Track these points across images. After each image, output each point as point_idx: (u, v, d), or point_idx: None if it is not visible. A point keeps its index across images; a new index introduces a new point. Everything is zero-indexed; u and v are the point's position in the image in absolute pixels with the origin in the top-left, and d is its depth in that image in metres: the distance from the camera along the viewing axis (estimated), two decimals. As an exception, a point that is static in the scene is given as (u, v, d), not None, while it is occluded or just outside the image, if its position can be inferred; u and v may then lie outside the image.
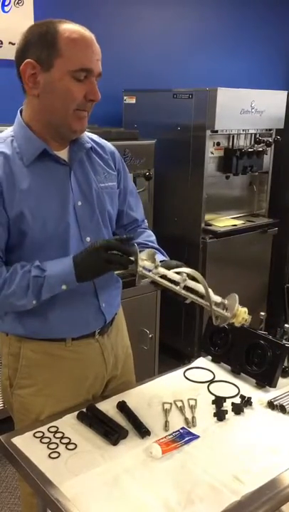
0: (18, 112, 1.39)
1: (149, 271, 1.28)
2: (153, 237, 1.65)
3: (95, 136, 1.52)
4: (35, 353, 1.42)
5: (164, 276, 1.29)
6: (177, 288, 1.28)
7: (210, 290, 1.28)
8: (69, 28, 1.25)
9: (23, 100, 1.39)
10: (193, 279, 1.30)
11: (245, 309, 1.31)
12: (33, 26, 1.29)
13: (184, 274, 1.28)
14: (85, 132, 1.44)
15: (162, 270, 1.29)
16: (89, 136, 1.48)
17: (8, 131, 1.38)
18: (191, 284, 1.29)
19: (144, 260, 1.28)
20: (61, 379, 1.45)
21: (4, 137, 1.35)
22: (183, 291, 1.28)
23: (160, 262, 1.31)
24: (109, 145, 1.55)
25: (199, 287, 1.28)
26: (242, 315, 1.30)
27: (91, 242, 1.35)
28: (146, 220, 1.70)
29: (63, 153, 1.38)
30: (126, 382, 1.62)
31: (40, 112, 1.32)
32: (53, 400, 1.44)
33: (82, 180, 1.41)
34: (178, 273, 1.29)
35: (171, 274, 1.29)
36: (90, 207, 1.41)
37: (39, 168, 1.33)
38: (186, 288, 1.28)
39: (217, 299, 1.31)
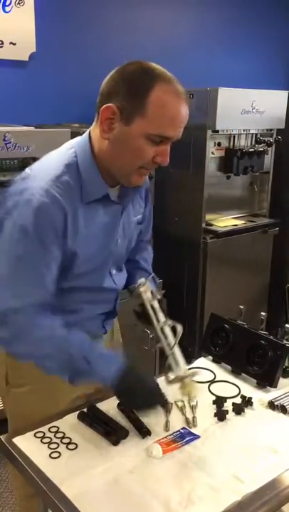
0: (87, 136, 1.30)
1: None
2: (150, 255, 1.69)
3: None
4: None
5: (153, 310, 1.42)
6: (156, 324, 1.39)
7: (179, 352, 1.35)
8: (164, 88, 1.16)
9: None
10: (173, 330, 1.38)
11: (196, 386, 1.35)
12: (129, 69, 1.20)
13: (169, 321, 1.39)
14: None
15: (155, 304, 1.42)
16: None
17: (73, 151, 1.28)
18: (167, 330, 1.38)
19: (148, 290, 1.42)
20: (59, 380, 1.43)
21: (70, 162, 1.26)
22: (158, 330, 1.38)
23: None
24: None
25: (171, 339, 1.37)
26: (189, 388, 1.33)
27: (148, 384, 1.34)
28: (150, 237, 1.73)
29: (116, 190, 1.35)
30: None
31: (105, 155, 1.26)
32: (49, 399, 1.44)
33: (127, 218, 1.42)
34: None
35: (159, 312, 1.41)
36: (125, 243, 1.45)
37: (97, 207, 1.30)
38: (162, 331, 1.38)
39: (181, 362, 1.35)
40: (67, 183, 1.22)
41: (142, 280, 1.45)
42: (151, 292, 1.43)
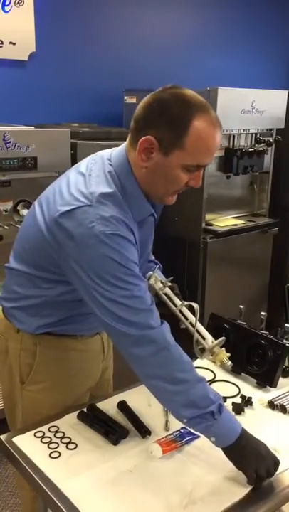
0: (126, 157, 1.29)
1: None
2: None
3: None
4: (50, 349, 1.44)
5: (167, 296, 1.49)
6: (174, 308, 1.46)
7: (202, 327, 1.43)
8: (202, 120, 1.17)
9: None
10: (190, 309, 1.46)
11: (227, 354, 1.41)
12: (166, 99, 1.20)
13: (185, 302, 1.46)
14: None
15: (168, 291, 1.48)
16: None
17: (112, 173, 1.27)
18: (186, 311, 1.46)
19: (157, 281, 1.47)
20: (71, 371, 1.48)
21: (116, 182, 1.26)
22: (178, 313, 1.45)
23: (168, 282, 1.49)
24: None
25: (192, 317, 1.45)
26: (221, 355, 1.40)
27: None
28: None
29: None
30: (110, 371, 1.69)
31: (142, 180, 1.28)
32: (63, 394, 1.47)
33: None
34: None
35: (173, 297, 1.48)
36: (148, 251, 1.51)
37: (142, 224, 1.34)
38: (180, 313, 1.46)
39: (207, 335, 1.42)
40: (122, 206, 1.23)
41: (149, 273, 1.49)
42: (161, 282, 1.49)
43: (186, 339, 1.41)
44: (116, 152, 1.32)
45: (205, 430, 1.21)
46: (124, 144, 1.31)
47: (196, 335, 1.41)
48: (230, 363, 1.44)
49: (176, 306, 1.46)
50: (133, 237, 1.24)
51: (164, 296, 1.48)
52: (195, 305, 1.45)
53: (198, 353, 1.41)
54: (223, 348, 1.41)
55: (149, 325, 1.20)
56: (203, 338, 1.41)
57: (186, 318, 1.44)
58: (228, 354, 1.42)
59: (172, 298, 1.48)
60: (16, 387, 1.48)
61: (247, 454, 1.20)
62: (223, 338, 1.43)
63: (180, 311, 1.45)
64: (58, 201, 1.25)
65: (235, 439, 1.20)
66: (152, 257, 1.68)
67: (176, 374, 1.21)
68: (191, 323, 1.43)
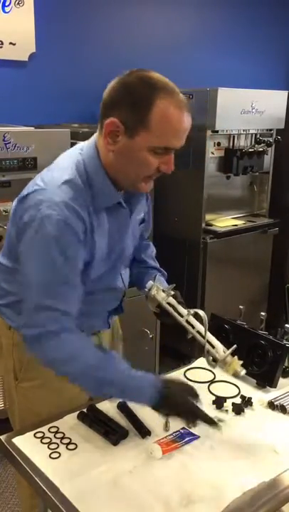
0: (94, 143, 1.30)
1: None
2: (154, 251, 1.70)
3: None
4: None
5: (171, 306, 1.44)
6: (180, 319, 1.40)
7: (212, 336, 1.37)
8: (166, 101, 1.16)
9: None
10: (197, 317, 1.40)
11: (240, 362, 1.34)
12: (130, 81, 1.19)
13: (190, 311, 1.40)
14: None
15: (171, 300, 1.44)
16: None
17: (79, 156, 1.29)
18: (193, 320, 1.39)
19: (159, 290, 1.44)
20: None
21: (80, 170, 1.27)
22: (184, 323, 1.39)
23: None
24: None
25: (200, 326, 1.39)
26: (234, 365, 1.33)
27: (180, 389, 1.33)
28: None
29: (122, 194, 1.36)
30: None
31: (111, 166, 1.27)
32: (56, 393, 1.46)
33: (135, 221, 1.45)
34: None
35: (178, 306, 1.43)
36: (134, 243, 1.48)
37: (109, 213, 1.32)
38: (188, 323, 1.40)
39: (218, 344, 1.37)
40: (81, 193, 1.24)
41: (149, 283, 1.49)
42: (163, 291, 1.45)
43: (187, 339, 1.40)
44: (88, 141, 1.32)
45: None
46: (96, 133, 1.31)
47: (207, 345, 1.35)
48: (244, 371, 1.36)
49: (182, 316, 1.41)
50: (83, 226, 1.22)
51: (168, 307, 1.43)
52: (202, 313, 1.38)
53: (210, 363, 1.36)
54: (236, 357, 1.34)
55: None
56: (213, 347, 1.36)
57: (194, 327, 1.39)
58: (241, 362, 1.35)
59: (177, 308, 1.42)
60: (11, 383, 1.49)
61: (169, 409, 1.28)
62: (235, 346, 1.35)
63: (186, 321, 1.39)
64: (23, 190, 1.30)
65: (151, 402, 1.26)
66: (155, 264, 1.66)
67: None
68: (199, 333, 1.37)
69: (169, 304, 1.44)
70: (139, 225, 1.53)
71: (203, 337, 1.36)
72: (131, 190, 1.34)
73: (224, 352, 1.34)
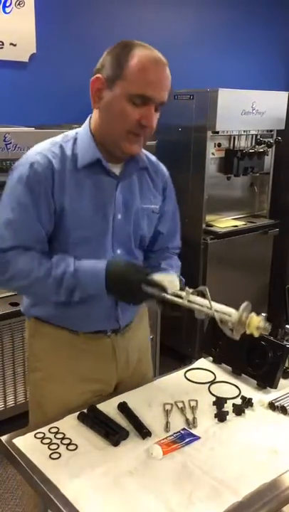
0: (88, 117, 1.44)
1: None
2: (177, 265, 1.66)
3: (153, 158, 1.56)
4: (48, 338, 1.50)
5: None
6: (181, 301, 1.31)
7: (219, 305, 1.29)
8: (141, 53, 1.29)
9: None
10: (200, 295, 1.32)
11: (259, 318, 1.25)
12: (115, 45, 1.35)
13: (189, 290, 1.31)
14: (145, 152, 1.49)
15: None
16: (146, 155, 1.52)
17: (75, 131, 1.44)
18: (194, 298, 1.31)
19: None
20: (72, 368, 1.50)
21: (70, 136, 1.41)
22: (187, 304, 1.30)
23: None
24: (164, 170, 1.59)
25: (202, 300, 1.30)
26: (254, 322, 1.24)
27: (125, 266, 1.35)
28: (179, 249, 1.72)
29: (117, 167, 1.42)
30: (139, 382, 1.61)
31: (99, 125, 1.37)
32: (61, 389, 1.48)
33: (127, 196, 1.45)
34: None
35: (175, 290, 1.33)
36: (127, 222, 1.46)
37: (90, 174, 1.37)
38: (190, 302, 1.31)
39: (228, 309, 1.29)
40: (60, 149, 1.37)
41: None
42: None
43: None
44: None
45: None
46: None
47: (218, 315, 1.27)
48: (267, 324, 1.25)
49: (182, 298, 1.31)
50: (50, 172, 1.33)
51: (169, 298, 1.34)
52: (202, 287, 1.32)
53: (229, 333, 1.26)
54: (252, 313, 1.25)
55: None
56: (228, 314, 1.27)
57: (199, 304, 1.30)
58: (262, 316, 1.25)
59: (176, 293, 1.33)
60: (27, 375, 1.61)
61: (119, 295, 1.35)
62: (247, 303, 1.26)
63: (188, 301, 1.30)
64: None
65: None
66: (172, 270, 1.57)
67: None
68: (205, 306, 1.29)
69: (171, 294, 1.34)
70: (149, 217, 1.51)
71: (211, 308, 1.28)
72: (118, 152, 1.37)
73: (239, 315, 1.25)
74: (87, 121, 1.42)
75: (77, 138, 1.40)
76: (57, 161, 1.34)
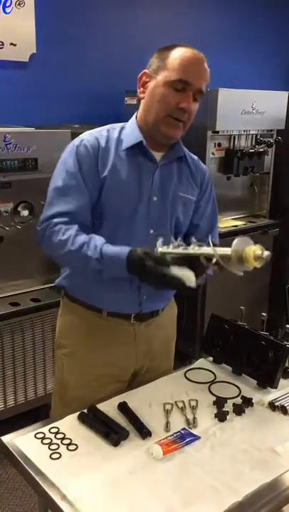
0: (135, 112, 1.56)
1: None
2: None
3: (194, 156, 1.66)
4: (75, 317, 1.60)
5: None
6: (186, 251, 1.31)
7: (221, 248, 1.29)
8: (181, 48, 1.45)
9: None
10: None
11: (255, 247, 1.22)
12: (161, 48, 1.50)
13: (195, 241, 1.33)
14: (186, 149, 1.60)
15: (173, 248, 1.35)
16: (188, 153, 1.62)
17: (122, 123, 1.57)
18: (199, 248, 1.31)
19: (164, 247, 1.34)
20: (93, 350, 1.58)
21: (117, 125, 1.56)
22: (192, 252, 1.31)
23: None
24: (204, 167, 1.68)
25: (206, 248, 1.31)
26: (250, 253, 1.21)
27: (143, 253, 1.33)
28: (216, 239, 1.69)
29: (158, 155, 1.54)
30: (156, 377, 1.63)
31: (143, 112, 1.51)
32: (83, 367, 1.58)
33: (164, 181, 1.54)
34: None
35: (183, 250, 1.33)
36: (163, 205, 1.53)
37: (132, 156, 1.50)
38: (196, 253, 1.30)
39: (226, 249, 1.27)
40: (108, 132, 1.52)
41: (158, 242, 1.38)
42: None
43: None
44: None
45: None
46: None
47: (219, 259, 1.25)
48: (267, 252, 1.22)
49: (187, 251, 1.31)
50: (97, 147, 1.47)
51: (175, 253, 1.33)
52: (209, 238, 1.33)
53: (235, 270, 1.25)
54: (249, 246, 1.22)
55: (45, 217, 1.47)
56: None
57: (203, 255, 1.30)
58: (257, 246, 1.22)
59: (182, 252, 1.32)
60: (55, 352, 1.70)
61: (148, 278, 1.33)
62: (240, 238, 1.26)
63: (194, 253, 1.29)
64: None
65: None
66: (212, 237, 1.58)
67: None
68: (210, 254, 1.28)
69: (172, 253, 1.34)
70: (185, 204, 1.56)
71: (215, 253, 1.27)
72: (158, 136, 1.48)
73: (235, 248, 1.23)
74: (134, 115, 1.55)
75: (124, 127, 1.54)
76: (103, 141, 1.49)
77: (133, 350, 1.60)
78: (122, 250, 1.36)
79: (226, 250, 1.27)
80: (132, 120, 1.55)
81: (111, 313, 1.56)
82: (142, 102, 1.51)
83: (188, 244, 1.35)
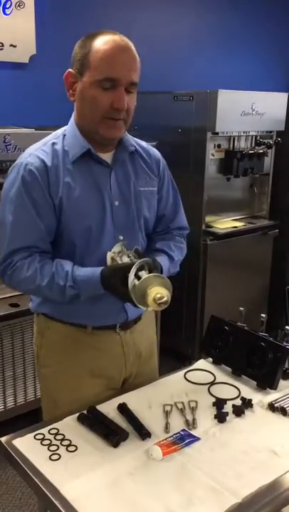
0: (73, 113, 1.48)
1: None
2: (179, 248, 1.65)
3: (143, 143, 1.59)
4: (57, 335, 1.52)
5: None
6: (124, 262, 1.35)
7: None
8: (101, 39, 1.33)
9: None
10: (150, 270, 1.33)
11: (161, 290, 1.22)
12: (81, 38, 1.39)
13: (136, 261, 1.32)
14: (132, 137, 1.53)
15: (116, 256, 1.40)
16: (136, 141, 1.55)
17: (63, 128, 1.49)
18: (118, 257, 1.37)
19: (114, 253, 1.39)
20: (80, 365, 1.52)
21: (59, 134, 1.47)
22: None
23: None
24: (156, 152, 1.61)
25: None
26: (152, 295, 1.22)
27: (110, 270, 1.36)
28: (186, 229, 1.72)
29: (108, 156, 1.46)
30: (145, 381, 1.62)
31: (78, 117, 1.43)
32: (71, 385, 1.52)
33: (122, 182, 1.48)
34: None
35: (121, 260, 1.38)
36: (126, 207, 1.48)
37: (83, 166, 1.42)
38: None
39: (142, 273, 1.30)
40: (52, 146, 1.42)
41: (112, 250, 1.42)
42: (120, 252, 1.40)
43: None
44: None
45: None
46: None
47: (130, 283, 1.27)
48: (166, 297, 1.21)
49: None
50: (44, 168, 1.37)
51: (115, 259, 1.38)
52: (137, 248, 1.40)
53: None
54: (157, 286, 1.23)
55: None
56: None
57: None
58: (164, 291, 1.20)
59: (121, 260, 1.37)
60: (37, 369, 1.62)
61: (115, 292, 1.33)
62: (141, 260, 1.30)
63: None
64: None
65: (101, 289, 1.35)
66: (171, 252, 1.59)
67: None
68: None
69: (114, 259, 1.39)
70: (147, 199, 1.53)
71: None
72: (99, 138, 1.41)
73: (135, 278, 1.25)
74: (72, 117, 1.47)
75: (66, 134, 1.45)
76: (49, 159, 1.39)
77: (122, 359, 1.57)
78: (94, 271, 1.36)
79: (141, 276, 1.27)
80: (72, 126, 1.45)
81: (96, 326, 1.51)
82: (75, 105, 1.43)
83: (140, 255, 1.38)
